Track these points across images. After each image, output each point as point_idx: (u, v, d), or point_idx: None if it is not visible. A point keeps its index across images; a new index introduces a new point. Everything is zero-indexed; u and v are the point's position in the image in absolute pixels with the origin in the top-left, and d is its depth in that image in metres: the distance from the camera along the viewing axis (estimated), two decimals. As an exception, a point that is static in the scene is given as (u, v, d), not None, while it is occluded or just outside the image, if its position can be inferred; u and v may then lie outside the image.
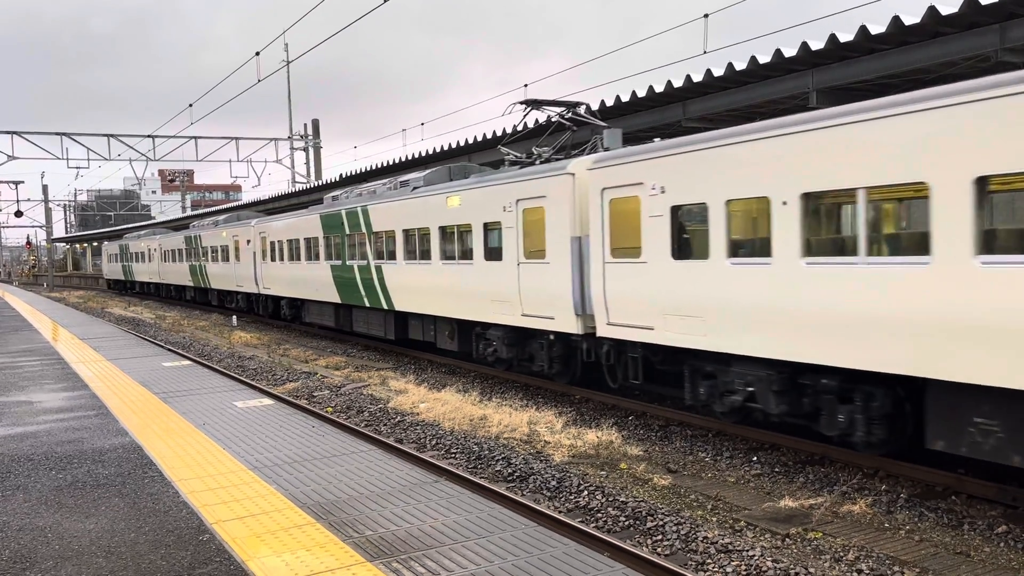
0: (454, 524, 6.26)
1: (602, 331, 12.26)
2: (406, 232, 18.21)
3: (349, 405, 14.32)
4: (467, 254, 15.90)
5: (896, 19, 11.17)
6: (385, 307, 19.37)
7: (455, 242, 16.35)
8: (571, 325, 13.00)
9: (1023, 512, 8.01)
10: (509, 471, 9.87)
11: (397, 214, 18.51)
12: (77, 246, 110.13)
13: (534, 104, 15.38)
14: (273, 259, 27.71)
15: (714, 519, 8.29)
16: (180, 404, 11.89)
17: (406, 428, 12.45)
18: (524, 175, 13.93)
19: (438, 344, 17.59)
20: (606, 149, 13.42)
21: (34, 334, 24.28)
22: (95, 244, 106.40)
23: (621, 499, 8.66)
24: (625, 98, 16.45)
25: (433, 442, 11.51)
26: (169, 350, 20.02)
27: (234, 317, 32.97)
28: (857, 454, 9.86)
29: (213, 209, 48.10)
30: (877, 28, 11.53)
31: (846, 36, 12.11)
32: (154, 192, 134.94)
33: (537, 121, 18.11)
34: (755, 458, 10.43)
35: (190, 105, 34.49)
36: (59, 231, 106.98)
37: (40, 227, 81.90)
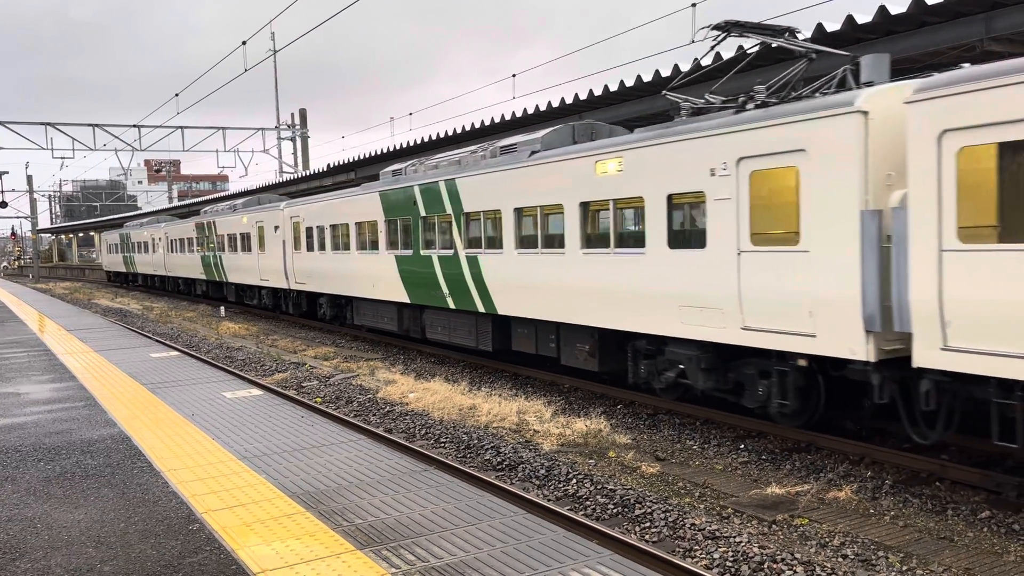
0: (443, 512, 6.29)
1: (931, 360, 7.76)
2: (519, 211, 13.88)
3: (338, 395, 14.32)
4: (631, 239, 11.63)
5: (883, 8, 11.21)
6: (481, 309, 15.05)
7: (609, 223, 11.92)
8: (852, 347, 8.54)
9: (1006, 497, 8.11)
10: (498, 460, 9.91)
11: (504, 188, 14.16)
12: (63, 237, 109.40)
13: (735, 29, 10.51)
14: (310, 248, 23.27)
15: (702, 506, 8.36)
16: (169, 395, 11.87)
17: (395, 418, 12.47)
18: (756, 120, 9.40)
19: (564, 360, 13.49)
20: (865, 84, 9.08)
21: (20, 325, 24.13)
22: (81, 235, 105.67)
23: (610, 487, 8.71)
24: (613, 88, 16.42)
25: (422, 431, 11.54)
26: (157, 341, 19.95)
27: (222, 308, 32.80)
28: (843, 441, 9.95)
29: (225, 194, 42.83)
30: (864, 17, 11.57)
31: (833, 26, 12.15)
32: (140, 182, 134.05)
33: (740, 49, 13.03)
34: (742, 446, 10.51)
35: (176, 95, 34.26)
36: (44, 222, 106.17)
37: (25, 218, 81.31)
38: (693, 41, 13.62)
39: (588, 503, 8.35)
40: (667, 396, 11.82)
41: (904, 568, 6.64)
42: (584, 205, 12.30)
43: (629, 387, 13.47)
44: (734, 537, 7.20)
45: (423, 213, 16.82)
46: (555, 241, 13.16)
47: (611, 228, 11.90)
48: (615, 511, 8.10)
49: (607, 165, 11.74)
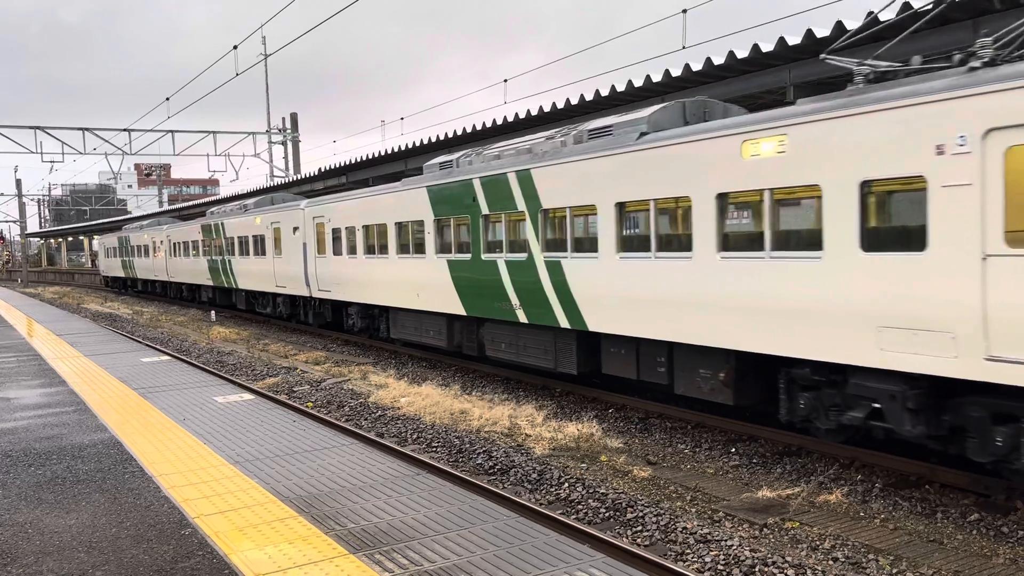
0: (436, 516, 6.30)
1: None
2: (620, 207, 11.40)
3: (330, 400, 14.31)
4: (796, 240, 9.13)
5: (871, 15, 11.29)
6: (563, 325, 12.59)
7: (763, 219, 9.30)
8: None
9: (995, 500, 8.17)
10: (490, 464, 9.92)
11: (601, 179, 11.66)
12: (52, 241, 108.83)
13: None
14: (337, 252, 20.78)
15: (693, 510, 8.40)
16: (159, 400, 11.83)
17: (387, 422, 12.46)
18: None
19: (680, 389, 10.92)
20: None
21: (9, 330, 24.01)
22: (70, 239, 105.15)
23: (601, 491, 8.74)
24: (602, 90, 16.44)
25: (414, 436, 11.54)
26: (147, 346, 19.88)
27: (212, 312, 32.71)
28: (834, 445, 10.00)
29: (236, 194, 40.14)
30: (853, 24, 11.66)
31: (823, 31, 12.24)
32: (130, 186, 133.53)
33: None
34: (733, 449, 10.55)
35: (167, 99, 34.18)
36: (33, 226, 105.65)
37: (14, 222, 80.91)
38: (684, 47, 13.70)
39: (580, 507, 8.37)
40: (833, 439, 9.33)
41: (894, 571, 6.68)
42: (722, 197, 9.77)
43: (592, 383, 13.70)
44: (725, 540, 7.24)
45: (485, 211, 14.33)
46: (675, 243, 10.65)
47: (765, 225, 9.22)
48: (607, 515, 8.12)
49: (760, 146, 9.17)
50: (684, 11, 13.05)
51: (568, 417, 12.50)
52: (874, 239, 8.28)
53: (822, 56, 9.41)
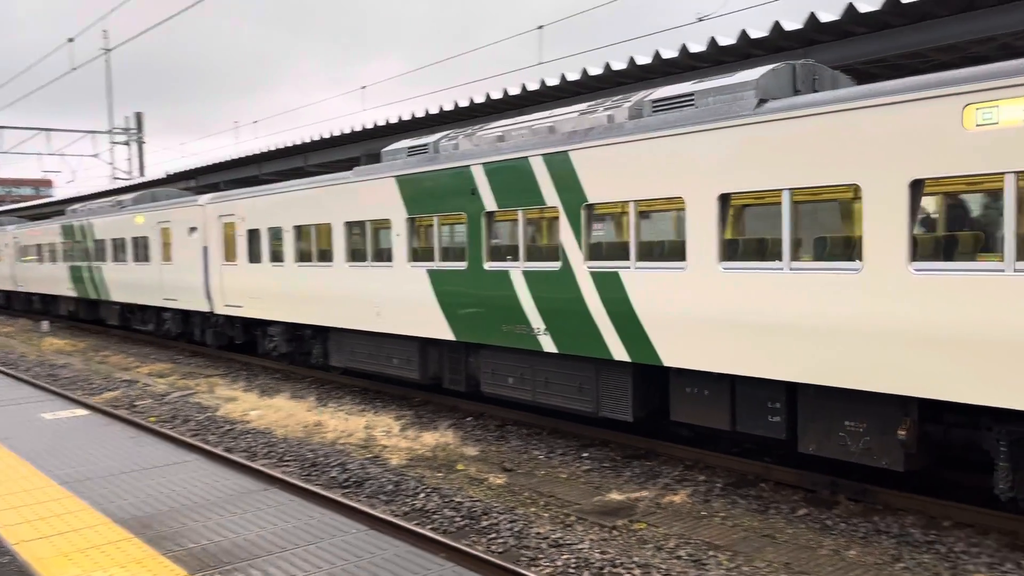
0: (283, 532, 6.10)
1: None
2: (726, 200, 8.63)
3: (174, 414, 13.60)
4: None
5: (743, 33, 11.88)
6: (619, 356, 9.75)
7: (1009, 213, 6.52)
8: None
9: (820, 495, 8.77)
10: (344, 477, 9.72)
11: (688, 163, 8.84)
12: None
13: None
14: (254, 259, 17.06)
15: (546, 515, 8.54)
16: (-22, 417, 10.86)
17: (236, 437, 11.98)
18: None
19: (809, 447, 8.31)
20: None
21: None
22: None
23: (457, 500, 8.74)
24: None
25: (265, 450, 11.14)
26: (-33, 359, 18.22)
27: (44, 323, 30.33)
28: (680, 447, 10.45)
29: (104, 190, 34.42)
30: (727, 40, 12.24)
31: (670, 53, 12.84)
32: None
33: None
34: (586, 454, 10.82)
35: (-7, 91, 31.57)
36: None
37: None
38: (541, 63, 14.00)
39: (436, 516, 8.33)
40: None
41: (731, 566, 7.04)
42: (918, 185, 7.10)
43: (481, 399, 13.43)
44: (577, 544, 7.40)
45: (491, 206, 11.29)
46: (826, 248, 8.20)
47: (1007, 224, 6.56)
48: (462, 523, 8.12)
49: (1002, 112, 6.48)
50: (540, 27, 13.33)
51: (426, 426, 12.44)
52: None
53: None
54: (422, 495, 8.93)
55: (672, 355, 9.19)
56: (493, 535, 7.76)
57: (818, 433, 8.23)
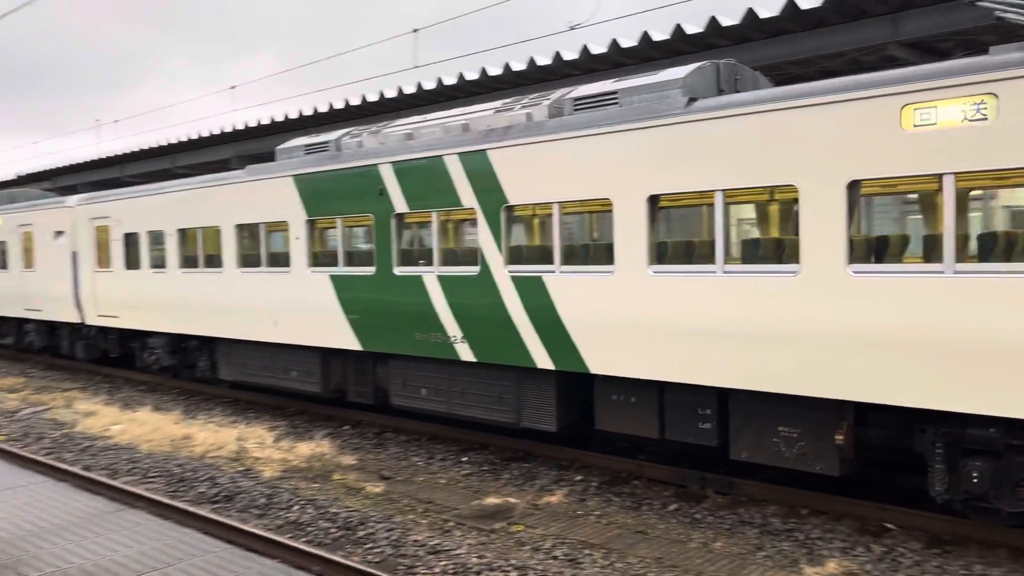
0: (138, 555, 5.79)
1: None
2: (655, 201, 8.43)
3: (26, 432, 12.70)
4: (981, 245, 7.09)
5: (645, 35, 12.11)
6: (543, 364, 9.37)
7: (948, 215, 6.62)
8: None
9: (691, 490, 9.09)
10: (214, 492, 9.34)
11: (617, 163, 8.56)
12: None
13: None
14: (132, 265, 15.89)
15: (425, 522, 8.47)
16: None
17: (96, 454, 11.29)
18: None
19: (742, 454, 8.20)
20: None
21: None
22: None
23: (333, 510, 8.55)
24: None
25: (128, 467, 10.56)
26: None
27: None
28: (557, 448, 10.60)
29: None
30: (629, 42, 12.47)
31: (544, 60, 13.03)
32: None
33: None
34: (465, 459, 10.81)
35: None
36: None
37: None
38: (416, 66, 13.93)
39: (310, 529, 8.12)
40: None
41: (606, 563, 7.19)
42: (854, 185, 7.04)
43: (357, 406, 13.17)
44: (454, 550, 7.37)
45: (402, 208, 10.71)
46: (758, 252, 8.00)
47: (946, 226, 6.60)
48: (338, 534, 7.95)
49: (940, 113, 6.46)
50: (415, 30, 13.25)
51: (301, 436, 12.11)
52: None
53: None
54: (296, 507, 8.68)
55: (600, 362, 8.87)
56: (370, 545, 7.63)
57: (751, 440, 8.09)
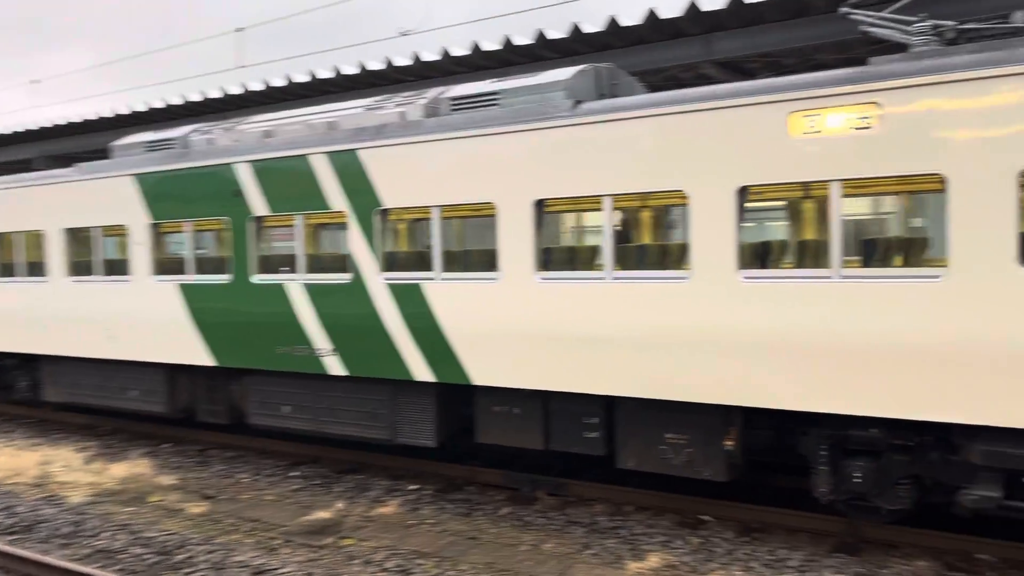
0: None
1: None
2: (541, 206, 8.25)
3: None
4: (876, 249, 7.60)
5: (445, 52, 12.13)
6: (422, 376, 8.96)
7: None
8: None
9: (523, 493, 9.24)
10: (11, 522, 8.53)
11: (500, 166, 8.36)
12: None
13: None
14: None
15: (250, 541, 8.11)
16: None
17: None
18: None
19: (629, 462, 8.12)
20: None
21: None
22: None
23: (149, 535, 8.03)
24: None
25: (-94, 500, 9.45)
26: None
27: None
28: (390, 457, 10.47)
29: None
30: (454, 51, 12.37)
31: (375, 65, 12.89)
32: None
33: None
34: (296, 472, 10.47)
35: None
36: None
37: None
38: (242, 66, 13.39)
39: (122, 556, 7.58)
40: (881, 518, 7.35)
41: (437, 572, 7.16)
42: (743, 191, 7.13)
43: (179, 423, 12.39)
44: (280, 569, 7.12)
45: (261, 211, 9.96)
46: (645, 257, 8.21)
47: (832, 232, 6.76)
48: (154, 560, 7.47)
49: (826, 120, 6.65)
50: (238, 29, 12.73)
51: (115, 457, 11.30)
52: None
53: (842, 11, 7.49)
54: (106, 534, 8.09)
55: (483, 373, 8.54)
56: (188, 569, 7.22)
57: (638, 448, 8.02)
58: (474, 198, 8.53)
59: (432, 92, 9.36)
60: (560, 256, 8.63)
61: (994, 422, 6.08)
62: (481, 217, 9.59)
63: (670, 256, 8.29)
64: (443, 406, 9.19)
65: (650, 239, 9.47)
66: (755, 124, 6.91)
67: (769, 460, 8.91)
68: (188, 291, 10.73)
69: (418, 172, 8.82)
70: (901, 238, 8.07)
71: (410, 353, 8.98)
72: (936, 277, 6.27)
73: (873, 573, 6.92)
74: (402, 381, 9.21)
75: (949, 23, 6.58)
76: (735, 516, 8.22)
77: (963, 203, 6.11)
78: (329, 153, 9.41)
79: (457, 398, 9.24)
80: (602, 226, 7.91)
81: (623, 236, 9.64)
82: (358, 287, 9.30)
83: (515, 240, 8.24)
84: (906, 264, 7.71)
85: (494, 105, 8.68)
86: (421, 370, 8.94)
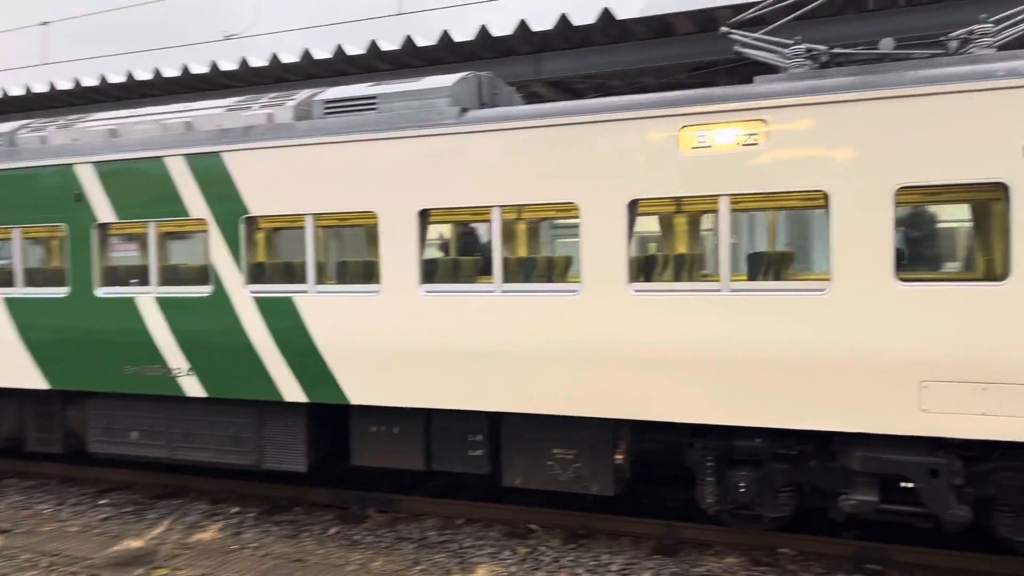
0: None
1: None
2: (425, 216, 8.06)
3: None
4: (762, 264, 8.00)
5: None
6: (293, 396, 8.47)
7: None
8: None
9: (353, 511, 9.04)
10: None
11: (384, 173, 8.03)
12: None
13: None
14: None
15: (49, 577, 7.45)
16: None
17: None
18: None
19: (515, 479, 8.03)
20: None
21: None
22: None
23: (-75, 578, 7.20)
24: None
25: None
26: None
27: None
28: (211, 479, 9.96)
29: None
30: (259, 62, 11.93)
31: (199, 68, 12.32)
32: None
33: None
34: (104, 500, 9.74)
35: None
36: None
37: None
38: (48, 63, 12.41)
39: None
40: (757, 527, 7.53)
41: (259, 598, 6.86)
42: (634, 204, 7.18)
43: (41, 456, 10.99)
44: (82, 605, 6.57)
45: (107, 217, 9.17)
46: (539, 267, 8.23)
47: (721, 246, 7.01)
48: (-69, 606, 6.70)
49: (715, 136, 6.80)
50: (45, 23, 11.80)
51: None
52: (910, 262, 7.84)
53: (724, 31, 7.52)
54: None
55: (362, 392, 8.14)
56: (-27, 613, 6.53)
57: (525, 464, 7.90)
58: (353, 206, 8.14)
59: (302, 94, 8.97)
60: (446, 268, 8.49)
61: (874, 430, 6.38)
62: (361, 227, 9.15)
63: (557, 269, 8.29)
64: (314, 428, 8.76)
65: (537, 252, 9.37)
66: (648, 138, 6.97)
67: (658, 472, 9.04)
68: (15, 305, 9.69)
69: (291, 178, 8.35)
70: (785, 253, 8.38)
71: (280, 372, 8.47)
72: (821, 291, 6.53)
73: (687, 572, 7.28)
74: (270, 402, 8.70)
75: (821, 47, 6.87)
76: (562, 523, 8.42)
77: (844, 219, 6.38)
78: (189, 156, 8.77)
79: (329, 418, 8.86)
80: (491, 238, 7.79)
81: (511, 248, 9.60)
82: (220, 301, 8.67)
83: (399, 251, 7.93)
84: (781, 278, 8.02)
85: (371, 109, 8.34)
86: (292, 390, 8.45)
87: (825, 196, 6.49)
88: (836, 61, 6.82)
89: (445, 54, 11.54)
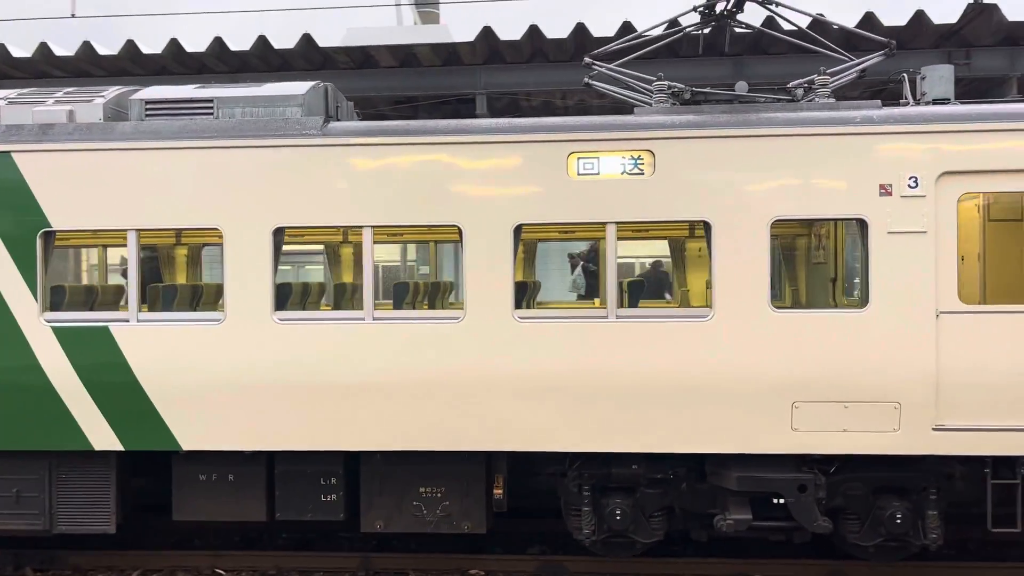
0: None
1: None
2: (280, 234, 7.00)
3: None
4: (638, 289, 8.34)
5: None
6: (104, 445, 6.92)
7: (603, 264, 7.27)
8: None
9: (4, 573, 6.92)
10: None
11: (234, 186, 6.92)
12: None
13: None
14: None
15: None
16: None
17: None
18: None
19: (374, 525, 7.24)
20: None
21: None
22: None
23: None
24: None
25: None
26: None
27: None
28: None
29: None
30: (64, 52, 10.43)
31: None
32: None
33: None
34: None
35: None
36: None
37: None
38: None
39: None
40: (630, 552, 7.29)
41: None
42: (520, 230, 6.88)
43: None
44: None
45: None
46: (412, 294, 7.95)
47: (608, 274, 6.86)
48: None
49: (614, 163, 6.71)
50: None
51: None
52: (798, 293, 8.73)
53: (587, 61, 7.42)
54: None
55: (197, 437, 7.08)
56: None
57: (387, 507, 7.31)
58: (193, 222, 7.22)
59: (111, 91, 7.79)
60: (312, 293, 8.17)
61: (745, 450, 6.57)
62: (200, 245, 8.65)
63: (445, 293, 8.21)
64: (125, 480, 7.61)
65: (411, 277, 8.83)
66: (538, 162, 6.82)
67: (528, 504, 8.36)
68: None
69: (109, 187, 7.14)
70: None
71: (87, 416, 7.15)
72: (704, 317, 6.62)
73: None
74: (64, 453, 7.32)
75: (681, 85, 7.07)
76: (256, 565, 7.83)
77: (724, 248, 6.56)
78: None
79: (142, 467, 7.68)
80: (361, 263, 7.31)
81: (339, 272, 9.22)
82: (10, 333, 7.21)
83: (248, 273, 7.02)
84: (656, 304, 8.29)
85: (207, 114, 7.45)
86: (103, 437, 7.17)
87: (710, 227, 6.62)
88: (695, 100, 7.06)
89: (213, 62, 10.62)
